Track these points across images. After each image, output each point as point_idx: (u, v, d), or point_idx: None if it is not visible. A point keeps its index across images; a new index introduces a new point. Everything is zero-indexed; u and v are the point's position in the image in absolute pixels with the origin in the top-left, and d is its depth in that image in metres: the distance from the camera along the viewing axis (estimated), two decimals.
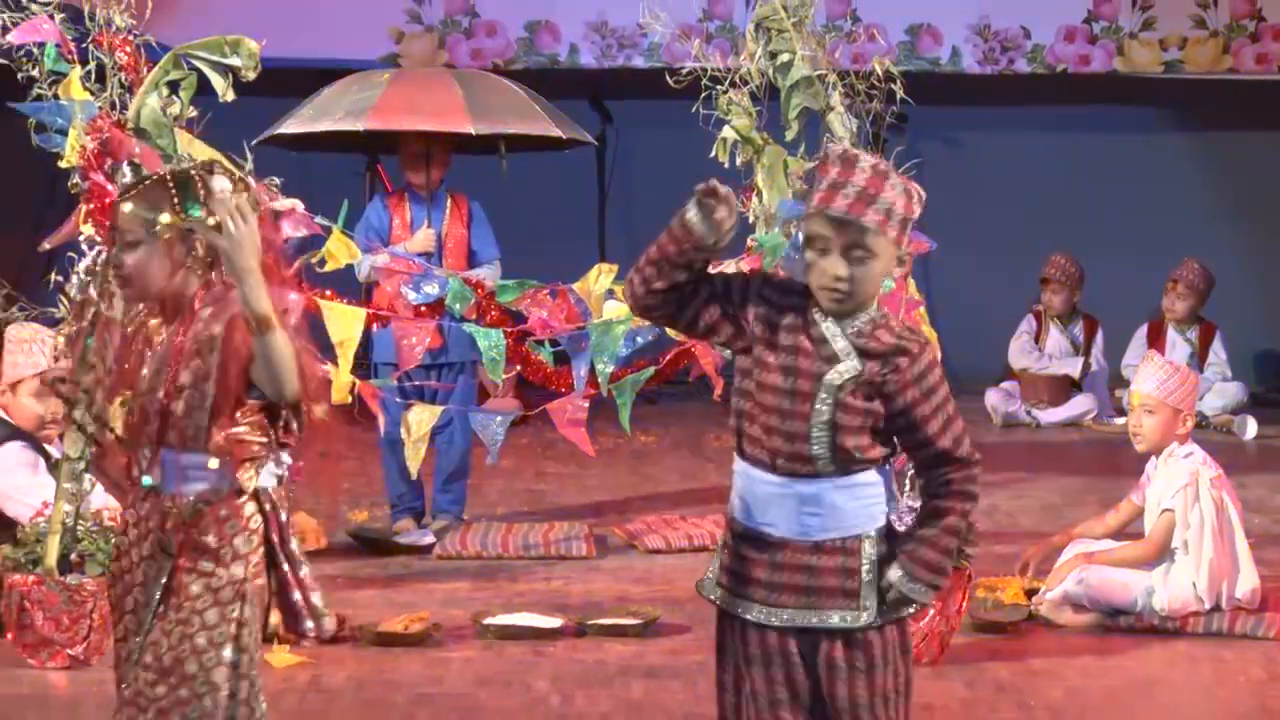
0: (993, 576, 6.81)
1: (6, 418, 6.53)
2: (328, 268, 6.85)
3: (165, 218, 3.92)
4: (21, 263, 8.32)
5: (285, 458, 4.02)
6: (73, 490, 5.98)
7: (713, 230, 3.66)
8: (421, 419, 7.05)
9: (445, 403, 7.64)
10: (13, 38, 6.11)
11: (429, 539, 7.83)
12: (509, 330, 7.06)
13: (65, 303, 5.95)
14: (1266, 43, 12.57)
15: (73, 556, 5.96)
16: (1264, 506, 8.64)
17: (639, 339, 6.93)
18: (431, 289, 7.18)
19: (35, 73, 6.15)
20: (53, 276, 6.15)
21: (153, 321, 4.01)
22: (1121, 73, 12.71)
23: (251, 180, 6.43)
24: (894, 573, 3.79)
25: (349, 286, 7.54)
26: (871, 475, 3.81)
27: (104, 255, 5.66)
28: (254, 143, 6.86)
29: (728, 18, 12.21)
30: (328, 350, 6.84)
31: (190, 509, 3.92)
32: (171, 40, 6.39)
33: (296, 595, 4.08)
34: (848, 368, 3.75)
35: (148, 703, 3.93)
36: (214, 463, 3.94)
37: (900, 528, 3.89)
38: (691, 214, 3.67)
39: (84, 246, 6.04)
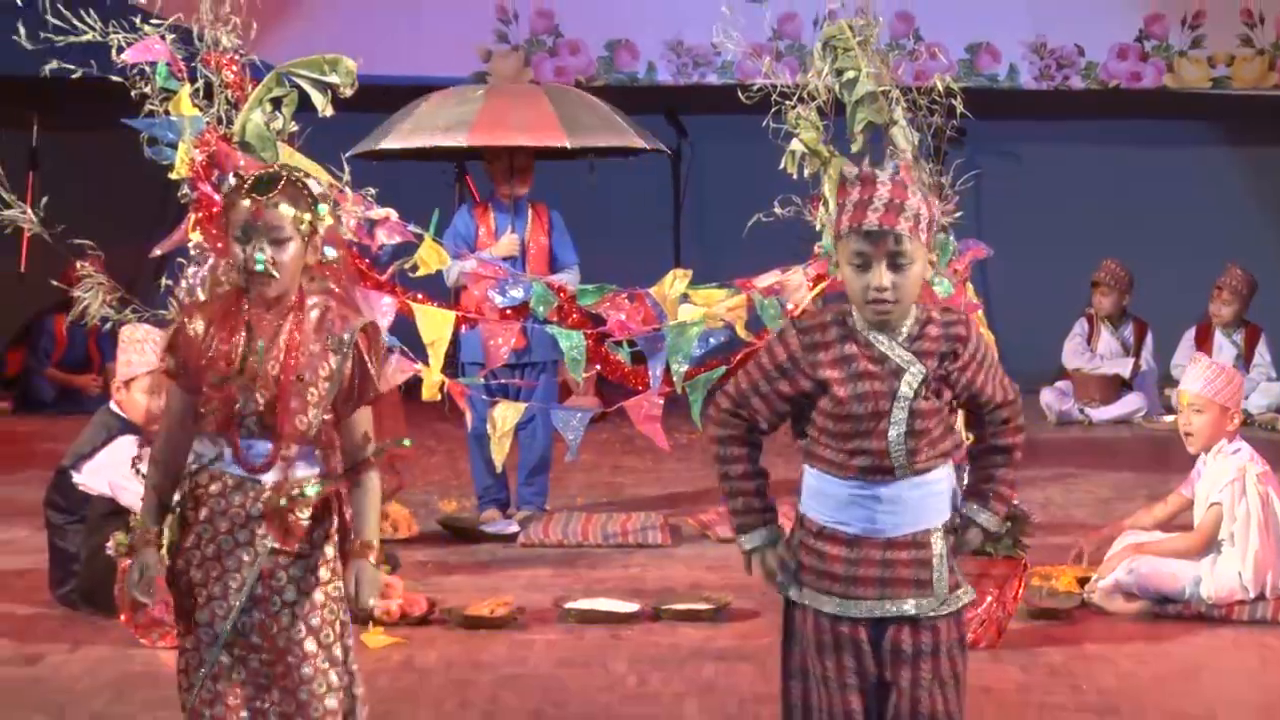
0: (1047, 566, 6.77)
1: (121, 413, 6.58)
2: (420, 273, 6.87)
3: (308, 215, 3.94)
4: (135, 268, 8.38)
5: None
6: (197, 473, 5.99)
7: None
8: (506, 415, 7.06)
9: (529, 400, 7.65)
10: (127, 57, 6.16)
11: (513, 528, 7.85)
12: (589, 332, 7.06)
13: (175, 305, 5.99)
14: None
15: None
16: None
17: (712, 340, 6.92)
18: (517, 293, 7.18)
19: (147, 90, 6.19)
20: (163, 281, 6.20)
21: (250, 309, 3.96)
22: (1171, 88, 12.62)
23: (349, 190, 6.51)
24: (973, 509, 3.88)
25: (439, 290, 7.56)
26: (940, 472, 3.82)
27: (210, 260, 5.69)
28: (348, 155, 6.90)
29: (796, 37, 12.18)
30: (419, 350, 6.87)
31: (291, 497, 3.92)
32: (274, 59, 6.43)
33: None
34: (914, 374, 3.75)
35: (268, 683, 3.93)
36: (319, 453, 3.96)
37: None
38: (745, 555, 3.93)
39: (192, 252, 6.08)
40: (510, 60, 12.51)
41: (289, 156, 6.33)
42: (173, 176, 6.27)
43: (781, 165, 6.52)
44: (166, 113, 6.22)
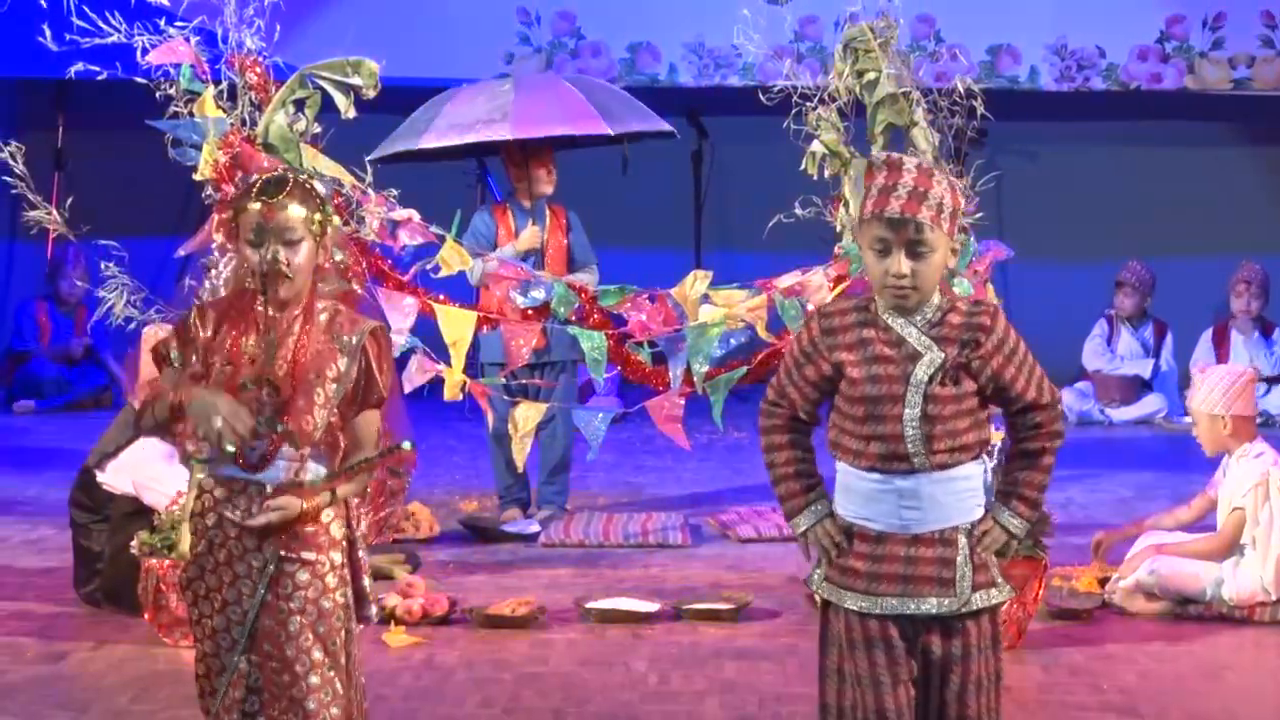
0: (1068, 566, 6.76)
1: None
2: (441, 274, 6.87)
3: (318, 215, 3.94)
4: (159, 267, 8.38)
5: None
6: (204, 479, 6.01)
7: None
8: (527, 415, 7.06)
9: (548, 400, 7.64)
10: (152, 58, 6.17)
11: (534, 528, 7.84)
12: (610, 332, 7.06)
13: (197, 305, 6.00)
14: None
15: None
16: None
17: (732, 341, 6.91)
18: (538, 294, 7.18)
19: (172, 92, 6.21)
20: (187, 281, 6.21)
21: (261, 309, 3.95)
22: (1192, 90, 12.58)
23: (371, 191, 6.51)
24: (999, 512, 3.82)
25: (461, 291, 7.56)
26: (967, 469, 3.79)
27: (234, 260, 5.69)
28: (371, 158, 6.90)
29: (818, 39, 12.16)
30: (441, 351, 6.87)
31: (294, 484, 3.90)
32: (298, 61, 6.44)
33: (366, 581, 4.07)
34: (931, 359, 3.73)
35: (279, 691, 3.91)
36: (323, 454, 3.94)
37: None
38: (799, 537, 3.90)
39: (216, 253, 6.08)
40: (532, 63, 12.50)
41: (312, 158, 6.34)
42: (197, 178, 6.28)
43: (802, 166, 6.51)
44: (191, 114, 6.23)
